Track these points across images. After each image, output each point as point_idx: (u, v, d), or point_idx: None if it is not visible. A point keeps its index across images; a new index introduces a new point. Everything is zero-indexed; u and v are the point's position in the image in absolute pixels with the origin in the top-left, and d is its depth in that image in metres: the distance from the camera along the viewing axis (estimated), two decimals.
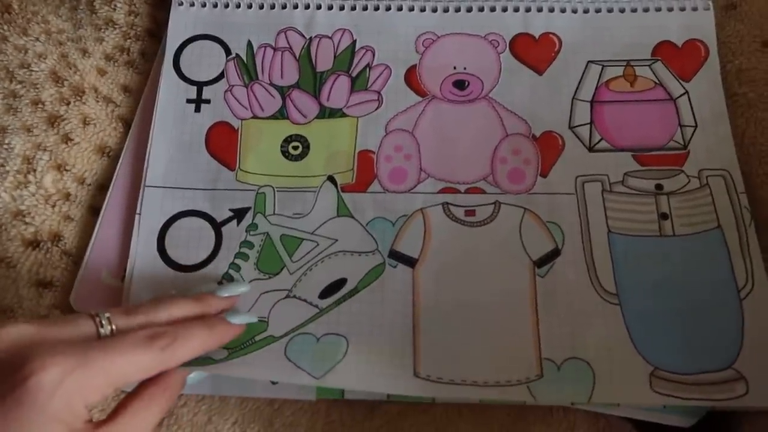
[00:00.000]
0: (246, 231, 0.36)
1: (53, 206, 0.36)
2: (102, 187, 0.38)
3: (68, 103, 0.38)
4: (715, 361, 0.33)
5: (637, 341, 0.33)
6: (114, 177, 0.38)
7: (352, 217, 0.36)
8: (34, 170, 0.36)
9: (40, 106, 0.38)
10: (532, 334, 0.34)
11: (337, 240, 0.36)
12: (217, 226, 0.36)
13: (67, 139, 0.37)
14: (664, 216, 0.36)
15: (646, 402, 0.32)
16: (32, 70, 0.38)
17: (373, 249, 0.36)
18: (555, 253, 0.35)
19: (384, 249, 0.36)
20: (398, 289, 0.35)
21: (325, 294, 0.35)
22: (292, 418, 0.34)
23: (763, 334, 0.33)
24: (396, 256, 0.35)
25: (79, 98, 0.38)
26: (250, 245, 0.36)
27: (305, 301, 0.35)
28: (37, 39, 0.39)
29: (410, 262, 0.35)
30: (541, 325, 0.34)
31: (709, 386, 0.32)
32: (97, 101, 0.39)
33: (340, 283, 0.35)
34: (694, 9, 0.41)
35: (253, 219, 0.36)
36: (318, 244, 0.36)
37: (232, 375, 0.33)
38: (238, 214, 0.36)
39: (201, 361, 0.33)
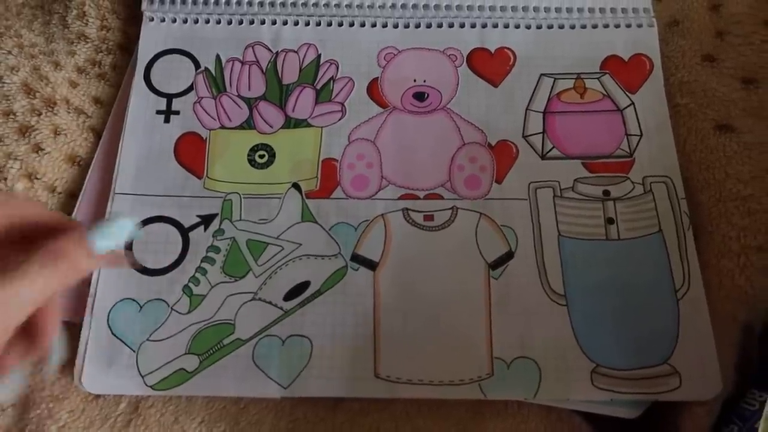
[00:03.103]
0: (213, 236, 0.37)
1: None
2: (72, 195, 0.39)
3: (39, 114, 0.39)
4: (652, 357, 0.35)
5: (581, 340, 0.35)
6: (84, 185, 0.39)
7: (316, 222, 0.38)
8: (5, 179, 0.37)
9: (11, 116, 0.39)
10: (485, 334, 0.35)
11: (301, 244, 0.37)
12: (184, 232, 0.37)
13: (38, 148, 0.38)
14: (610, 221, 0.38)
15: (588, 397, 0.34)
16: (4, 83, 0.39)
17: (336, 253, 0.37)
18: (509, 256, 0.37)
19: (346, 253, 0.37)
20: (360, 292, 0.36)
21: (289, 296, 0.36)
22: (257, 416, 0.35)
23: (697, 331, 0.35)
24: (358, 259, 0.37)
25: (50, 109, 0.40)
26: (217, 250, 0.37)
27: (270, 303, 0.36)
28: (10, 52, 0.40)
29: (371, 265, 0.37)
30: (493, 325, 0.36)
31: (645, 381, 0.34)
32: (69, 112, 0.40)
33: (304, 285, 0.36)
34: (639, 26, 0.43)
35: (219, 225, 0.38)
36: (283, 248, 0.37)
37: (206, 393, 0.35)
38: (206, 220, 0.38)
39: (176, 376, 0.34)
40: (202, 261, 0.37)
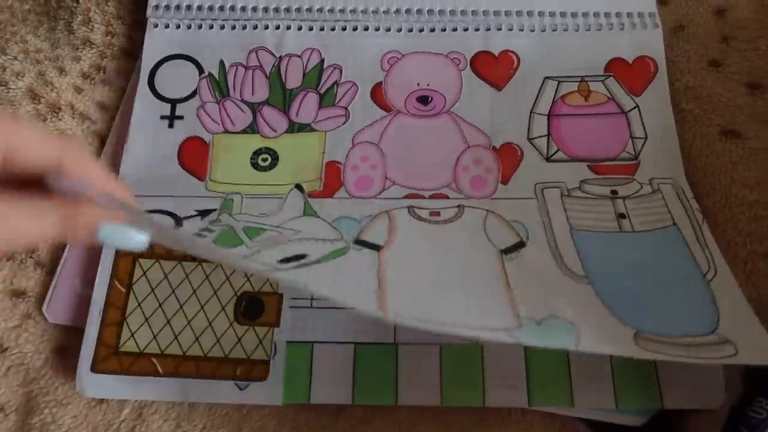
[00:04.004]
0: (209, 222, 0.36)
1: None
2: None
3: (45, 120, 0.39)
4: (696, 327, 0.31)
5: (616, 311, 0.32)
6: None
7: (318, 217, 0.37)
8: None
9: None
10: (507, 299, 0.32)
11: (300, 231, 0.36)
12: (179, 220, 0.37)
13: None
14: (621, 216, 0.37)
15: (634, 355, 0.29)
16: (9, 88, 0.39)
17: (339, 238, 0.36)
18: (520, 245, 0.36)
19: (349, 239, 0.36)
20: (363, 263, 0.34)
21: (284, 262, 0.33)
22: (260, 423, 0.35)
23: (737, 304, 0.32)
24: (362, 243, 0.35)
25: (55, 115, 0.40)
26: (210, 231, 0.36)
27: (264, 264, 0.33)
28: (15, 58, 0.41)
29: (376, 248, 0.35)
30: (515, 295, 0.32)
31: (695, 347, 0.31)
32: (73, 118, 0.40)
33: (300, 257, 0.34)
34: (644, 27, 0.43)
35: (218, 216, 0.37)
36: (281, 234, 0.36)
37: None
38: (203, 213, 0.37)
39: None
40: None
